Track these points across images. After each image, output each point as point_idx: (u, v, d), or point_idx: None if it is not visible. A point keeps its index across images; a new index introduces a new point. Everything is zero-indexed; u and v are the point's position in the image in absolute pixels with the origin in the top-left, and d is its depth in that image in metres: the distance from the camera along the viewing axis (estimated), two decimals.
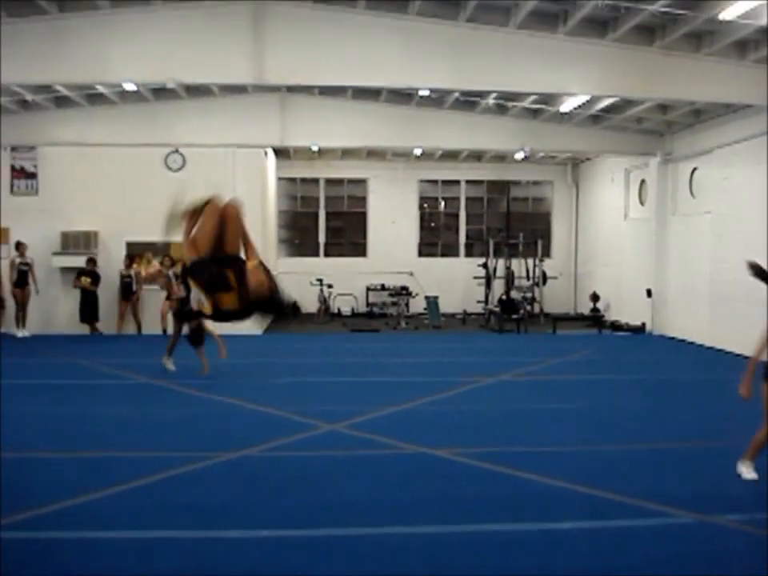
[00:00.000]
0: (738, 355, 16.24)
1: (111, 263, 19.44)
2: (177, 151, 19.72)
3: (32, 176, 19.57)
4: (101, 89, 17.33)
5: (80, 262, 19.08)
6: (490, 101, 18.77)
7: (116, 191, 19.38)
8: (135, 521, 6.43)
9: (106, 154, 19.35)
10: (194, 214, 5.92)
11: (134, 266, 19.29)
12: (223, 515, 6.59)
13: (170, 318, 19.10)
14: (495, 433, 9.71)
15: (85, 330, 19.20)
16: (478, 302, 24.09)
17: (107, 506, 6.79)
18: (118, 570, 5.50)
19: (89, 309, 19.08)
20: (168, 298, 19.00)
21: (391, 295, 24.85)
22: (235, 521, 6.45)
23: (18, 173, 19.62)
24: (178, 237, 6.21)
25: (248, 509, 6.78)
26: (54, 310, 19.29)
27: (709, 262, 17.90)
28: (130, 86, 15.67)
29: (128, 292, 19.33)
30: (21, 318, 18.70)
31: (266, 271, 5.42)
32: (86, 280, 18.94)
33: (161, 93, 18.37)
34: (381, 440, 9.16)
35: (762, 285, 8.19)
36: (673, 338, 19.38)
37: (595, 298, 23.21)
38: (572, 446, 9.07)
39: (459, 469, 8.12)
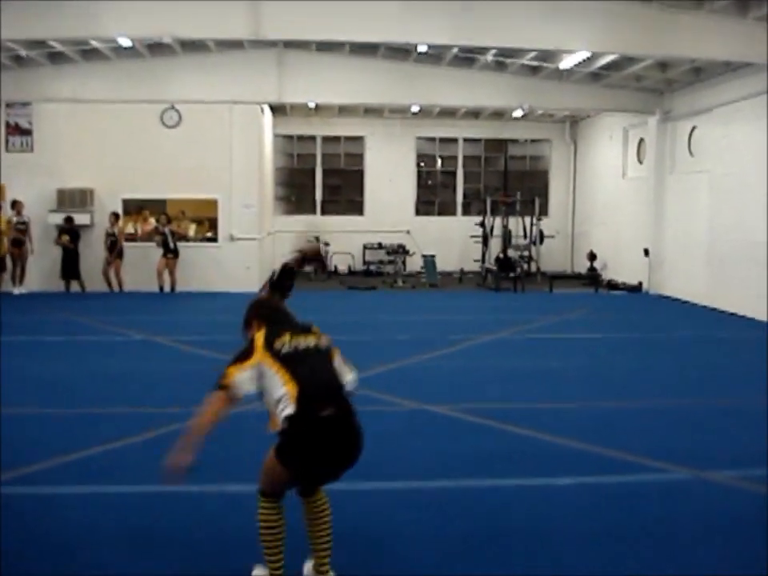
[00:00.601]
0: (733, 314, 16.34)
1: (107, 220, 19.33)
2: (173, 107, 19.55)
3: (27, 132, 19.41)
4: (96, 44, 17.16)
5: (77, 219, 19.00)
6: (489, 57, 18.62)
7: (112, 148, 19.26)
8: (136, 475, 6.46)
9: (102, 111, 19.18)
10: None
11: (119, 223, 19.13)
12: (224, 469, 6.61)
13: (166, 275, 19.12)
14: (493, 389, 9.75)
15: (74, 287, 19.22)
16: (475, 260, 24.09)
17: (107, 461, 6.84)
18: (120, 523, 5.54)
19: (69, 266, 19.05)
20: (164, 255, 19.01)
21: (388, 253, 24.82)
22: (235, 475, 6.48)
23: (13, 129, 19.46)
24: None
25: (250, 463, 6.80)
26: (52, 268, 19.22)
27: (706, 221, 17.88)
28: (125, 42, 15.55)
29: (113, 250, 19.19)
30: (18, 276, 18.67)
31: None
32: (64, 237, 18.87)
33: (156, 48, 18.19)
34: (379, 396, 9.18)
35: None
36: (669, 298, 19.41)
37: (592, 257, 23.21)
38: (570, 402, 9.12)
39: (458, 424, 8.17)
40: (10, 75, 18.35)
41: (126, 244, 19.21)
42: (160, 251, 19.03)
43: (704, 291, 17.92)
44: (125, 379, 10.12)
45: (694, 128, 19.20)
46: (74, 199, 19.20)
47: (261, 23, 13.10)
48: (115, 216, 19.10)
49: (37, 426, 7.96)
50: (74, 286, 19.14)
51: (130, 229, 19.77)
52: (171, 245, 19.08)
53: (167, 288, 19.21)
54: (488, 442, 7.56)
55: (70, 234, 18.92)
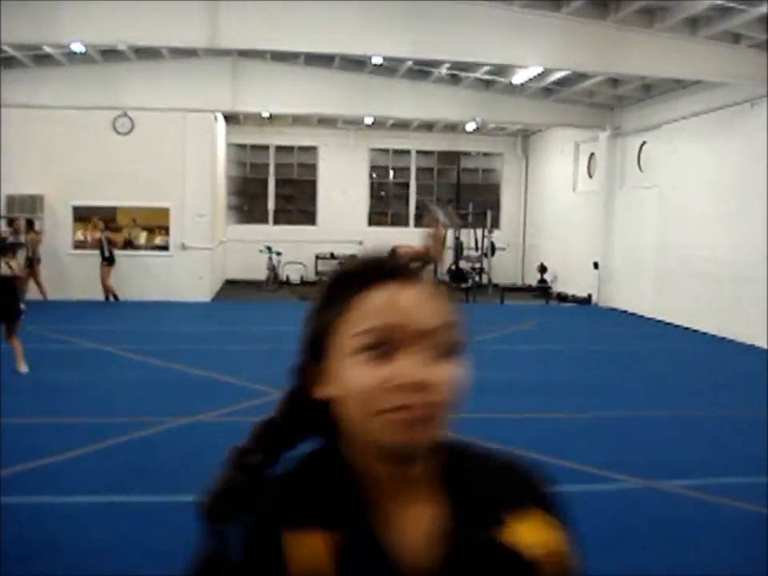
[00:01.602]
0: (679, 326, 16.61)
1: (57, 228, 19.15)
2: (125, 114, 19.40)
3: None
4: (48, 49, 16.97)
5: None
6: (443, 71, 18.77)
7: (63, 154, 19.04)
8: (89, 485, 6.41)
9: (54, 117, 18.95)
10: None
11: (32, 231, 18.70)
12: (177, 480, 6.58)
13: (111, 283, 18.86)
14: None
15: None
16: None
17: (61, 471, 6.77)
18: (73, 534, 5.49)
19: None
20: (105, 263, 18.73)
21: (341, 264, 24.78)
22: (189, 485, 6.44)
23: None
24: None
25: (201, 473, 6.78)
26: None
27: (655, 235, 18.18)
28: (78, 47, 15.36)
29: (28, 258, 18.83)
30: None
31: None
32: None
33: (110, 54, 18.05)
34: None
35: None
36: (618, 310, 19.68)
37: (543, 269, 23.46)
38: (522, 413, 9.20)
39: None
40: None
41: (77, 252, 19.02)
42: (118, 260, 18.85)
43: (651, 304, 18.21)
44: (77, 388, 10.01)
45: (643, 143, 19.52)
46: (24, 205, 18.96)
47: (217, 31, 13.06)
48: (28, 223, 18.70)
49: None
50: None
51: (80, 236, 19.56)
52: (106, 252, 18.87)
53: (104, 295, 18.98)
54: None
55: None
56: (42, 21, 12.90)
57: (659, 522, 5.98)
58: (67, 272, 19.22)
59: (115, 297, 18.99)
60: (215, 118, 20.89)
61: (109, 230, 19.08)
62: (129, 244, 19.70)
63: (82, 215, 19.47)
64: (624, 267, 19.93)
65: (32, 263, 18.56)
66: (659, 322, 17.49)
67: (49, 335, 13.97)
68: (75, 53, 16.93)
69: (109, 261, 18.90)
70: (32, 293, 18.43)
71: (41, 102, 18.53)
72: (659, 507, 6.31)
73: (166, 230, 19.81)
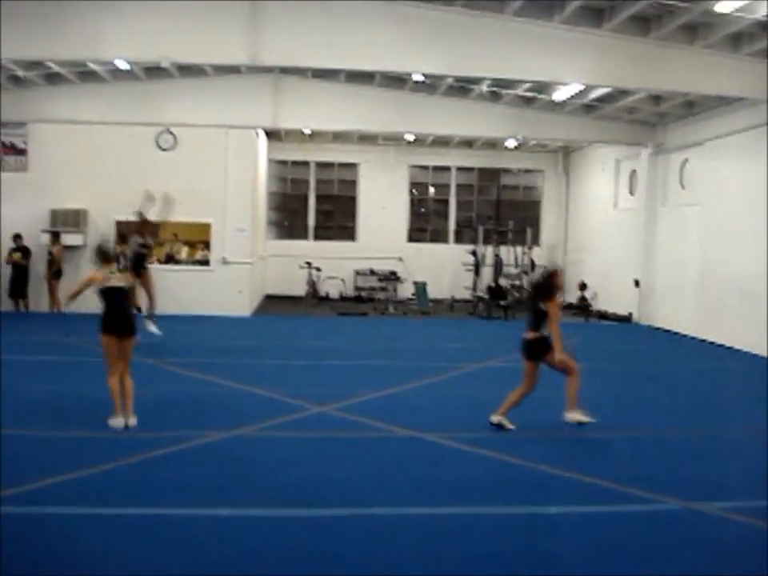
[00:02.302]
0: (722, 346, 16.40)
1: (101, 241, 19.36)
2: (168, 130, 19.64)
3: (22, 152, 19.47)
4: (93, 66, 17.22)
5: (70, 239, 19.03)
6: (484, 88, 18.77)
7: (106, 169, 19.32)
8: (129, 498, 6.46)
9: (97, 132, 19.25)
10: None
11: (58, 243, 19.04)
12: (214, 493, 6.62)
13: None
14: (483, 418, 9.74)
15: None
16: (466, 288, 24.13)
17: (100, 483, 6.81)
18: (111, 546, 5.52)
19: (18, 285, 19.10)
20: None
21: (380, 280, 24.89)
22: (226, 499, 6.48)
23: (8, 149, 19.51)
24: None
25: (239, 487, 6.82)
26: (43, 288, 19.22)
27: (697, 253, 17.99)
28: (122, 64, 15.59)
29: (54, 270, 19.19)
30: None
31: None
32: (17, 255, 18.92)
33: (153, 72, 18.28)
34: (370, 423, 9.20)
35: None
36: (659, 329, 19.48)
37: (583, 286, 23.30)
38: (560, 431, 9.13)
39: (448, 452, 8.18)
40: (7, 95, 18.38)
41: None
42: (159, 274, 19.01)
43: (693, 323, 18.00)
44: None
45: (685, 161, 19.36)
46: (67, 219, 19.22)
47: (259, 49, 13.18)
48: (53, 235, 19.05)
49: (30, 447, 7.93)
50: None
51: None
52: (56, 265, 19.08)
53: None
54: (477, 470, 7.58)
55: (22, 251, 18.98)
56: (87, 38, 13.11)
57: (697, 544, 5.89)
58: None
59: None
60: (257, 135, 21.06)
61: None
62: (170, 258, 19.88)
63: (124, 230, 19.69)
64: (665, 285, 19.74)
65: (56, 275, 18.98)
66: (701, 341, 17.28)
67: (92, 348, 14.11)
68: (119, 70, 17.17)
69: (58, 273, 19.12)
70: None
71: (85, 117, 18.82)
72: (697, 529, 6.22)
73: (207, 245, 19.98)
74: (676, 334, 18.59)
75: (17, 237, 18.97)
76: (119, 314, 9.03)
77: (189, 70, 18.47)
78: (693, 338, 17.69)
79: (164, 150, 19.69)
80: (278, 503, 6.44)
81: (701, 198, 18.08)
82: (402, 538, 5.83)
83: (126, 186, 19.05)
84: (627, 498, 6.80)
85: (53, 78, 18.34)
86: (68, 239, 19.07)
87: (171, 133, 19.68)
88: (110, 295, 9.01)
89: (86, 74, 18.19)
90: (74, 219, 19.27)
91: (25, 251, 19.03)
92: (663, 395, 11.69)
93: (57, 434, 8.40)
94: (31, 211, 19.03)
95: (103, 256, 9.24)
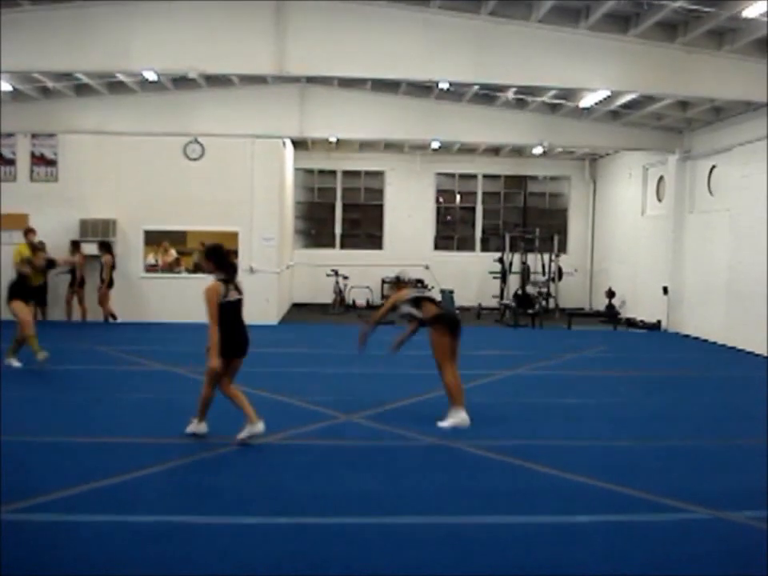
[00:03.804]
0: (751, 353, 16.26)
1: (129, 251, 19.55)
2: (196, 140, 19.79)
3: (52, 163, 19.68)
4: (121, 77, 17.40)
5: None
6: (510, 95, 18.75)
7: (135, 180, 19.51)
8: (155, 506, 6.50)
9: (126, 143, 19.44)
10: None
11: (78, 253, 19.02)
12: (241, 501, 6.64)
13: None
14: (512, 426, 9.74)
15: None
16: (493, 296, 24.10)
17: (128, 491, 6.86)
18: (138, 554, 5.55)
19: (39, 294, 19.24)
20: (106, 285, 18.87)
21: None
22: (252, 507, 6.50)
23: (38, 159, 19.73)
24: None
25: (265, 496, 6.84)
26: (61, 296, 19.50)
27: (726, 260, 17.85)
28: (151, 75, 15.72)
29: (74, 279, 19.35)
30: None
31: None
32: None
33: (181, 82, 18.43)
34: (398, 431, 9.21)
35: None
36: (688, 336, 19.35)
37: (611, 294, 23.17)
38: (588, 440, 9.09)
39: (476, 461, 8.16)
40: (37, 106, 18.64)
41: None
42: (188, 283, 19.17)
43: (723, 330, 17.86)
44: (146, 409, 10.18)
45: (713, 167, 19.23)
46: (96, 229, 19.39)
47: (285, 59, 13.26)
48: (74, 245, 19.14)
49: (56, 453, 8.00)
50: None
51: (150, 260, 19.98)
52: (78, 274, 19.23)
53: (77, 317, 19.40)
54: (506, 479, 7.55)
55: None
56: (116, 50, 13.25)
57: (728, 554, 5.84)
58: (139, 295, 19.59)
59: (113, 317, 19.37)
60: (283, 144, 21.16)
61: (181, 256, 19.54)
62: (197, 267, 19.97)
63: (152, 239, 19.88)
64: (694, 292, 19.60)
65: (77, 284, 19.20)
66: (731, 348, 17.15)
67: (121, 356, 14.24)
68: (148, 81, 17.32)
69: (76, 283, 19.30)
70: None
71: (114, 128, 19.01)
72: (729, 539, 6.16)
73: (234, 254, 20.06)
74: (705, 341, 18.45)
75: (39, 244, 19.11)
76: (243, 332, 8.33)
77: (216, 80, 18.61)
78: (722, 346, 17.55)
79: (192, 159, 19.83)
80: (305, 512, 6.44)
81: (729, 204, 17.94)
82: (428, 548, 5.82)
83: (154, 196, 19.27)
84: (657, 508, 6.75)
85: (82, 90, 18.54)
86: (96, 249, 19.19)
87: (199, 143, 19.82)
88: (231, 311, 8.13)
89: (114, 85, 18.37)
90: (103, 229, 19.43)
91: (47, 260, 19.16)
92: (692, 403, 11.60)
93: (84, 441, 8.47)
94: (61, 221, 19.22)
95: (227, 265, 8.34)
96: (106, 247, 19.02)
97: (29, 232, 16.87)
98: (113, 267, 19.00)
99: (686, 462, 8.39)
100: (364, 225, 26.77)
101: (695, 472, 7.96)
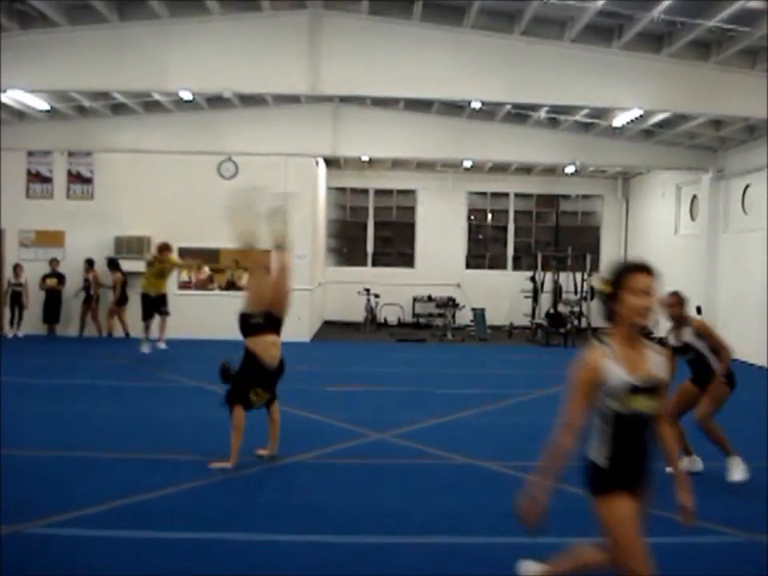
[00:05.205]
0: None
1: None
2: (230, 159, 19.98)
3: (88, 181, 19.96)
4: (157, 96, 17.62)
5: (133, 266, 19.37)
6: (542, 114, 18.76)
7: (169, 198, 19.71)
8: (187, 522, 6.53)
9: (161, 161, 19.67)
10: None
11: (93, 270, 19.60)
12: (273, 519, 6.67)
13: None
14: (544, 446, 9.68)
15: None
16: (525, 315, 24.03)
17: (160, 507, 6.90)
18: (171, 570, 5.59)
19: (52, 310, 19.56)
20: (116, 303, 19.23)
21: (438, 306, 24.89)
22: (285, 525, 6.52)
23: (74, 177, 20.03)
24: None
25: (298, 513, 6.86)
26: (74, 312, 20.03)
27: (761, 280, 17.69)
28: (186, 95, 15.91)
29: (88, 296, 19.75)
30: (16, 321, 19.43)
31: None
32: (52, 280, 19.41)
33: (215, 101, 18.63)
34: (429, 450, 9.20)
35: None
36: None
37: None
38: None
39: (508, 481, 8.12)
40: (73, 125, 18.94)
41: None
42: (221, 300, 19.35)
43: (758, 350, 17.68)
44: (178, 426, 10.25)
45: (747, 186, 19.10)
46: (131, 246, 19.62)
47: (319, 79, 13.40)
48: (89, 263, 19.59)
49: (92, 469, 8.07)
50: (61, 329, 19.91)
51: (184, 277, 20.13)
52: (92, 291, 19.61)
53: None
54: None
55: (57, 277, 19.50)
56: (152, 70, 13.45)
57: None
58: (174, 311, 19.69)
59: (110, 334, 19.84)
60: (316, 163, 21.29)
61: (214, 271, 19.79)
62: (231, 285, 20.13)
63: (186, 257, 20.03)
64: (728, 312, 19.43)
65: (91, 300, 19.59)
66: (767, 369, 16.97)
67: (153, 373, 14.34)
68: (183, 100, 17.53)
69: (95, 300, 19.76)
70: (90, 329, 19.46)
71: (149, 146, 19.25)
72: (761, 561, 6.10)
73: (267, 271, 20.14)
74: (741, 362, 18.26)
75: (53, 260, 19.62)
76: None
77: (250, 100, 18.80)
78: (759, 367, 17.37)
79: (226, 178, 20.00)
80: (337, 530, 6.45)
81: (764, 223, 17.80)
82: (461, 567, 5.80)
83: (188, 214, 19.44)
84: (692, 530, 6.68)
85: (118, 109, 18.81)
86: (132, 265, 19.40)
87: (233, 161, 19.99)
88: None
89: (150, 105, 18.62)
90: (137, 246, 19.65)
91: (60, 277, 19.52)
92: (728, 426, 11.47)
93: (115, 457, 8.54)
94: (96, 238, 19.53)
95: None
96: (114, 265, 19.34)
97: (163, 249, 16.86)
98: (124, 284, 19.27)
99: (719, 485, 8.31)
100: (396, 243, 26.84)
101: (729, 495, 7.92)
